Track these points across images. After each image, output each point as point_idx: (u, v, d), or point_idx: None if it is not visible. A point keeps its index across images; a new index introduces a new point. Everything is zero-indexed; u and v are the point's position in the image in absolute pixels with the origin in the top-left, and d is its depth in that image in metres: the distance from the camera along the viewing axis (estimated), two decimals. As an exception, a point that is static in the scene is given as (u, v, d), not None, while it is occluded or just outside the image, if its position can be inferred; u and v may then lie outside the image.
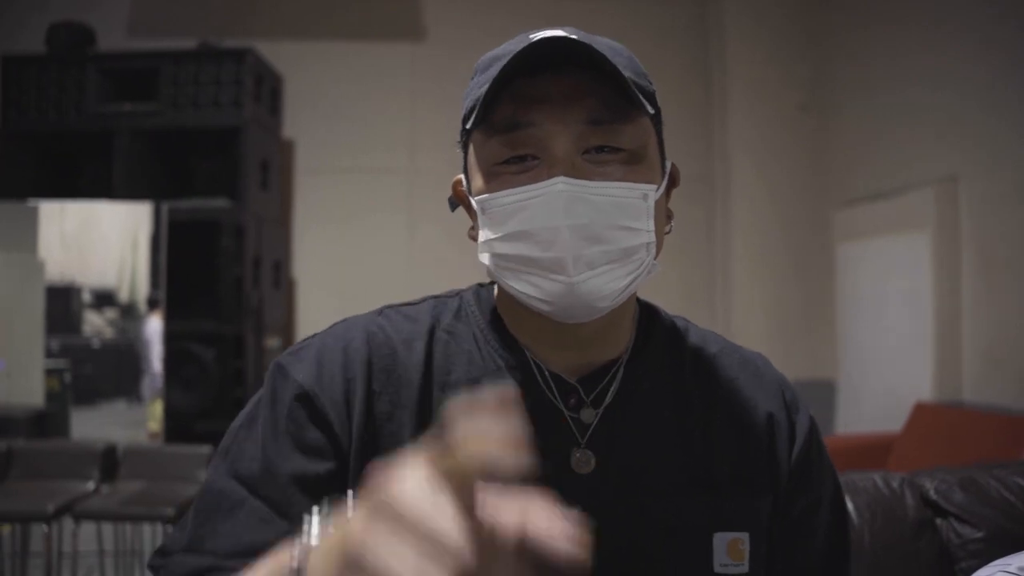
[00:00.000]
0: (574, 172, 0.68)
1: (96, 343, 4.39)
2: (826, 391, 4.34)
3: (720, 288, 4.69)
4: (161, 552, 0.71)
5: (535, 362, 0.77)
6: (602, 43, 0.71)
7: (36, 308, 4.07)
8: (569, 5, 4.59)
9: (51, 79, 4.11)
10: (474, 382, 0.75)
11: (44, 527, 2.98)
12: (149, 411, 4.12)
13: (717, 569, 0.74)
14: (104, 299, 4.39)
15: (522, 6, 4.49)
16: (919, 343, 3.60)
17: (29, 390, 4.02)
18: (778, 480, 0.78)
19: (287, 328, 4.53)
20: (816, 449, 0.81)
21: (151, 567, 0.70)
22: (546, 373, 0.76)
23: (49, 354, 4.11)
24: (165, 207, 3.95)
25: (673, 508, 0.75)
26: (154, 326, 4.09)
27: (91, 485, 3.20)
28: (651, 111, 0.72)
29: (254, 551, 0.59)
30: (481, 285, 0.84)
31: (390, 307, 0.81)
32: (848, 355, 4.26)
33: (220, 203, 4.01)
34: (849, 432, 4.04)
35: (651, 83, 0.76)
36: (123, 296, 4.38)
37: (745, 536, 0.75)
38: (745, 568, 0.75)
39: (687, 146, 4.77)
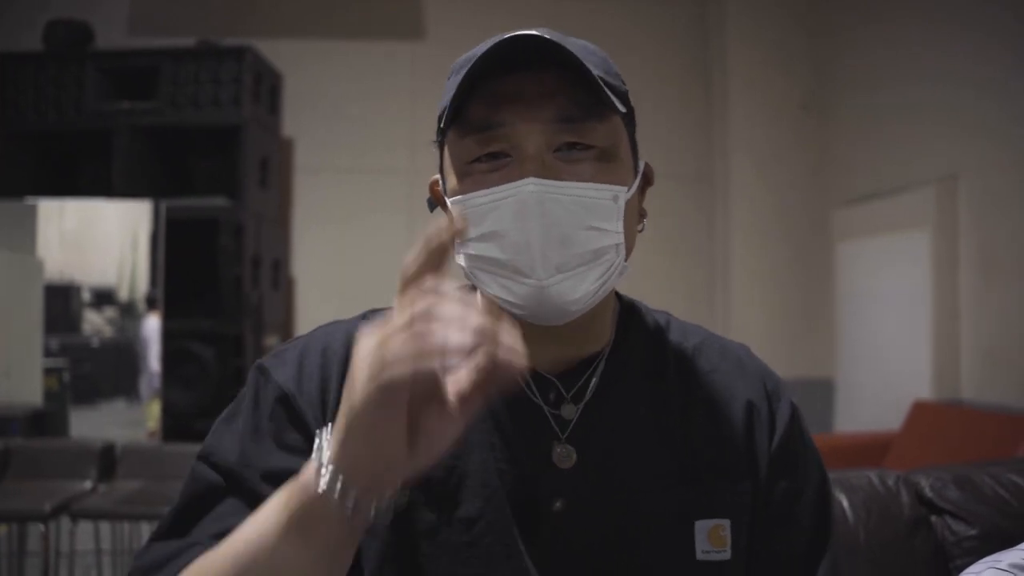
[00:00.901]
0: (545, 170, 0.69)
1: (95, 342, 4.40)
2: (825, 389, 4.34)
3: (720, 287, 4.69)
4: (141, 551, 0.73)
5: None
6: (575, 43, 0.72)
7: (35, 307, 4.07)
8: (569, 5, 4.59)
9: (50, 77, 4.11)
10: None
11: (41, 526, 2.98)
12: (147, 410, 4.12)
13: (699, 556, 0.74)
14: (103, 298, 4.39)
15: (522, 6, 4.48)
16: (918, 341, 3.59)
17: (28, 389, 4.02)
18: (757, 467, 0.78)
19: (286, 327, 4.53)
20: (798, 437, 0.81)
21: (134, 563, 0.72)
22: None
23: (48, 353, 4.11)
24: (164, 206, 3.95)
25: (654, 499, 0.75)
26: (153, 325, 4.09)
27: (89, 484, 3.20)
28: (622, 110, 0.73)
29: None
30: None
31: (375, 310, 0.82)
32: (847, 353, 4.25)
33: (219, 202, 4.01)
34: (848, 430, 4.04)
35: (624, 83, 0.77)
36: (122, 295, 4.38)
37: (726, 523, 0.75)
38: (727, 554, 0.75)
39: (687, 146, 4.77)
